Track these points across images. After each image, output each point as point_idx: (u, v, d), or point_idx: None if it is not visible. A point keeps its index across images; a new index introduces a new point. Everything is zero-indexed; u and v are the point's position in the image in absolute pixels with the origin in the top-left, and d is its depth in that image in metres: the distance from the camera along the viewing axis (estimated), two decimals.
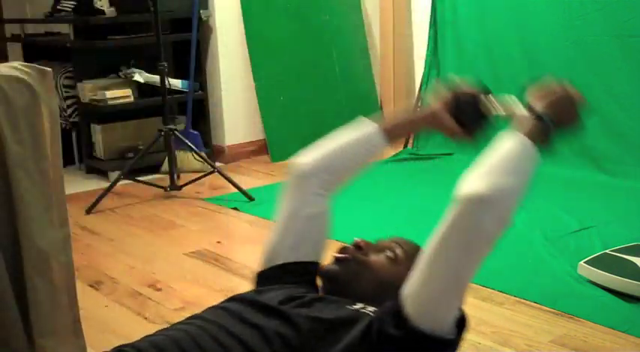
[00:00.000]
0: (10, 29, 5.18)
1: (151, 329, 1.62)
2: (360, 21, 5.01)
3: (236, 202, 3.66)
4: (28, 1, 5.34)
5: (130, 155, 4.30)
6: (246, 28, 4.52)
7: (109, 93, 4.27)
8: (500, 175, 1.36)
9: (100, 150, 4.44)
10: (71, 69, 4.50)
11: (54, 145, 1.77)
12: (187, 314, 1.67)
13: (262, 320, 1.44)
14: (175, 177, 3.94)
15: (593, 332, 2.15)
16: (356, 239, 1.65)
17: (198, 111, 4.56)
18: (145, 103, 4.40)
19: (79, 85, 4.42)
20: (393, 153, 4.43)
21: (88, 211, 3.64)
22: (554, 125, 1.51)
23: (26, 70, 1.72)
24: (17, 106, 1.69)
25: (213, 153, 4.60)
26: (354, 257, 1.60)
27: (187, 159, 4.28)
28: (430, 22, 4.43)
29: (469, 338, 2.20)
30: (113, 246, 3.17)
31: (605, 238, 2.86)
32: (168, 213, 3.62)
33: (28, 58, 4.85)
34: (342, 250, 1.62)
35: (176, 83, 4.40)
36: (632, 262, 2.45)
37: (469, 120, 1.75)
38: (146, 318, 2.41)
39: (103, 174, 4.38)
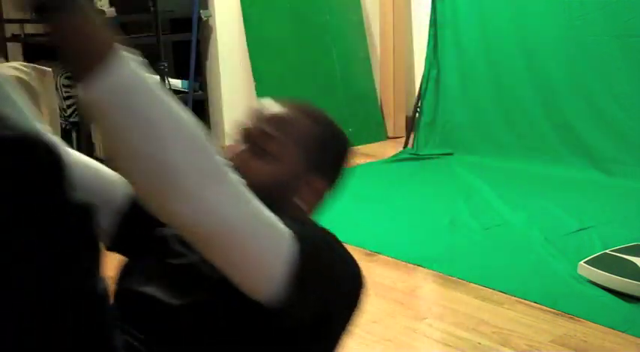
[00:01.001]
0: (10, 29, 5.18)
1: None
2: (360, 21, 5.01)
3: None
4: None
5: None
6: (246, 28, 4.52)
7: None
8: None
9: (100, 150, 4.44)
10: None
11: None
12: None
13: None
14: None
15: (593, 332, 2.15)
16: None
17: (198, 111, 4.56)
18: None
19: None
20: (393, 153, 4.42)
21: None
22: None
23: (26, 70, 1.72)
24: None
25: None
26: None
27: None
28: (430, 22, 4.42)
29: (469, 337, 2.20)
30: None
31: (605, 238, 2.86)
32: None
33: (28, 58, 4.85)
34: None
35: (176, 83, 4.40)
36: (632, 262, 2.45)
37: None
38: None
39: None
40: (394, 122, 5.02)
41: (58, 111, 1.81)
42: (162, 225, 1.13)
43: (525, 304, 2.38)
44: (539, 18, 3.98)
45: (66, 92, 4.54)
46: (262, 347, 1.12)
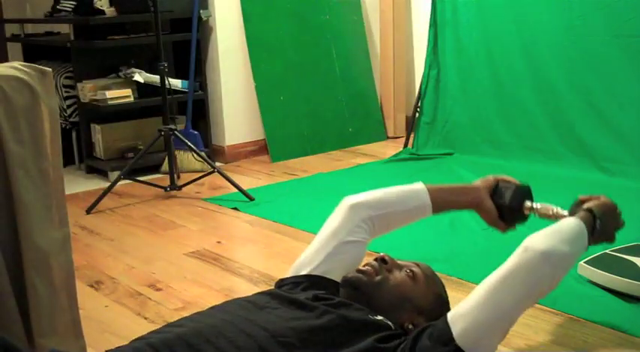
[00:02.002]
0: (10, 29, 5.18)
1: (151, 329, 1.62)
2: (360, 21, 5.01)
3: (236, 202, 3.66)
4: (28, 1, 5.34)
5: (130, 155, 4.31)
6: (246, 28, 4.53)
7: (109, 94, 4.27)
8: (562, 242, 1.63)
9: (100, 150, 4.44)
10: (71, 69, 4.50)
11: (54, 145, 1.77)
12: (187, 314, 1.67)
13: (291, 313, 1.50)
14: (175, 177, 3.95)
15: (593, 332, 2.15)
16: (381, 253, 1.75)
17: (198, 111, 4.56)
18: (145, 103, 4.40)
19: (79, 84, 4.42)
20: (393, 153, 4.43)
21: (88, 211, 3.64)
22: (600, 223, 1.80)
23: (26, 70, 1.72)
24: (17, 106, 1.69)
25: (213, 153, 4.60)
26: (378, 270, 1.70)
27: (187, 159, 4.28)
28: (430, 22, 4.42)
29: None
30: (113, 246, 3.17)
31: None
32: (168, 213, 3.62)
33: (28, 58, 4.86)
34: (367, 264, 1.72)
35: (176, 83, 4.40)
36: (632, 262, 2.45)
37: (506, 208, 1.98)
38: (146, 318, 2.41)
39: (103, 174, 4.38)
40: (394, 122, 5.02)
41: (58, 111, 1.80)
42: None
43: None
44: (539, 18, 3.98)
45: (66, 92, 4.54)
46: None
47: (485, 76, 4.26)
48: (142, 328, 2.16)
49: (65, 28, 4.62)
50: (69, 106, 4.56)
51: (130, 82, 4.38)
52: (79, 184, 4.23)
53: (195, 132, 4.43)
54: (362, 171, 4.15)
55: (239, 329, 1.42)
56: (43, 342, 1.74)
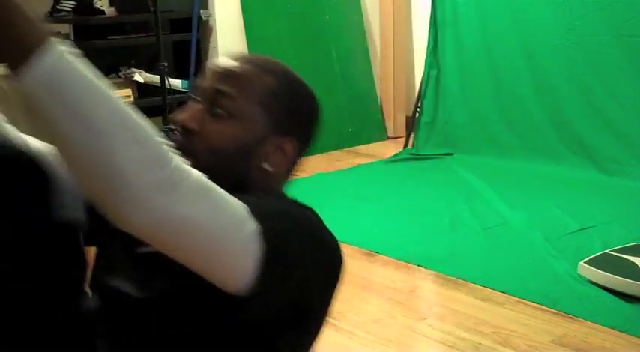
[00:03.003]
0: None
1: None
2: (360, 21, 5.01)
3: None
4: (28, 1, 5.33)
5: None
6: (246, 28, 4.52)
7: None
8: None
9: None
10: None
11: None
12: None
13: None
14: None
15: (593, 332, 2.15)
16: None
17: None
18: (145, 103, 4.39)
19: None
20: (393, 153, 4.42)
21: None
22: None
23: None
24: (17, 106, 1.68)
25: None
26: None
27: None
28: (430, 22, 4.42)
29: (469, 338, 2.20)
30: None
31: (605, 238, 2.86)
32: None
33: None
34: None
35: (176, 83, 4.40)
36: (632, 262, 2.45)
37: None
38: None
39: None
40: (394, 122, 5.02)
41: None
42: None
43: (525, 304, 2.38)
44: (539, 18, 3.98)
45: None
46: (234, 339, 1.06)
47: (485, 76, 4.26)
48: None
49: (65, 28, 4.62)
50: None
51: (130, 82, 4.38)
52: None
53: None
54: (362, 171, 4.14)
55: None
56: None
